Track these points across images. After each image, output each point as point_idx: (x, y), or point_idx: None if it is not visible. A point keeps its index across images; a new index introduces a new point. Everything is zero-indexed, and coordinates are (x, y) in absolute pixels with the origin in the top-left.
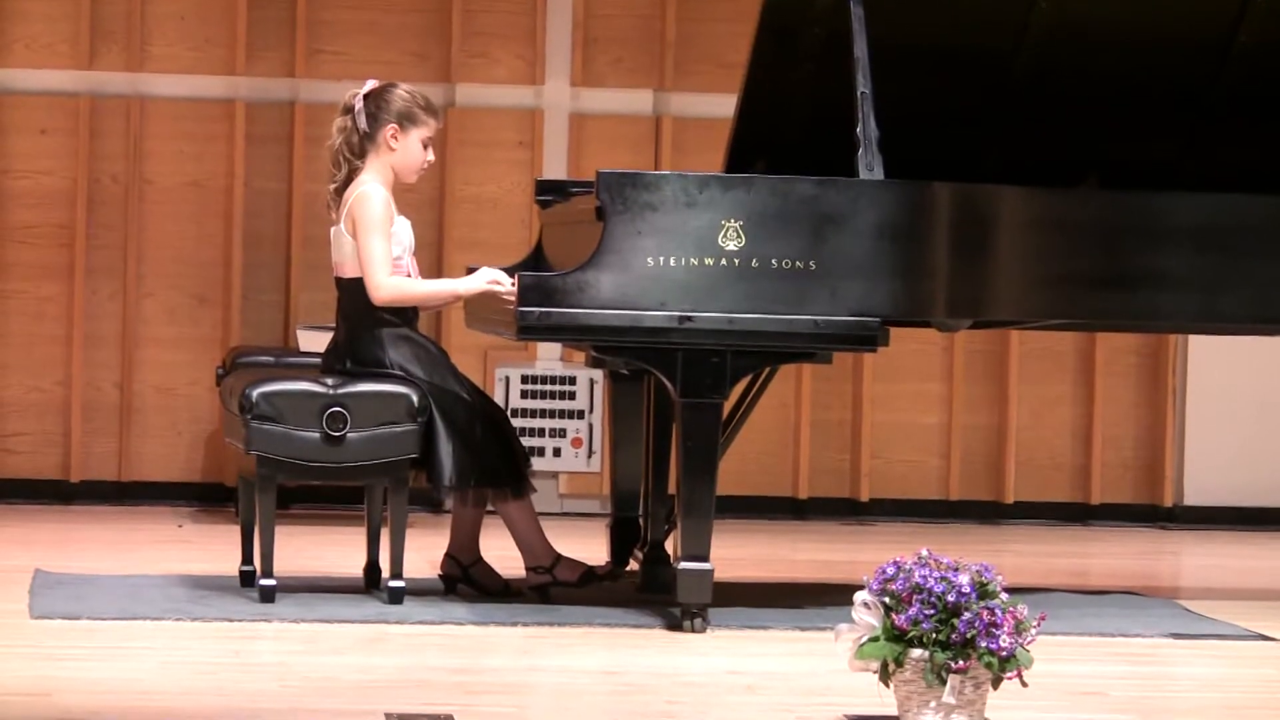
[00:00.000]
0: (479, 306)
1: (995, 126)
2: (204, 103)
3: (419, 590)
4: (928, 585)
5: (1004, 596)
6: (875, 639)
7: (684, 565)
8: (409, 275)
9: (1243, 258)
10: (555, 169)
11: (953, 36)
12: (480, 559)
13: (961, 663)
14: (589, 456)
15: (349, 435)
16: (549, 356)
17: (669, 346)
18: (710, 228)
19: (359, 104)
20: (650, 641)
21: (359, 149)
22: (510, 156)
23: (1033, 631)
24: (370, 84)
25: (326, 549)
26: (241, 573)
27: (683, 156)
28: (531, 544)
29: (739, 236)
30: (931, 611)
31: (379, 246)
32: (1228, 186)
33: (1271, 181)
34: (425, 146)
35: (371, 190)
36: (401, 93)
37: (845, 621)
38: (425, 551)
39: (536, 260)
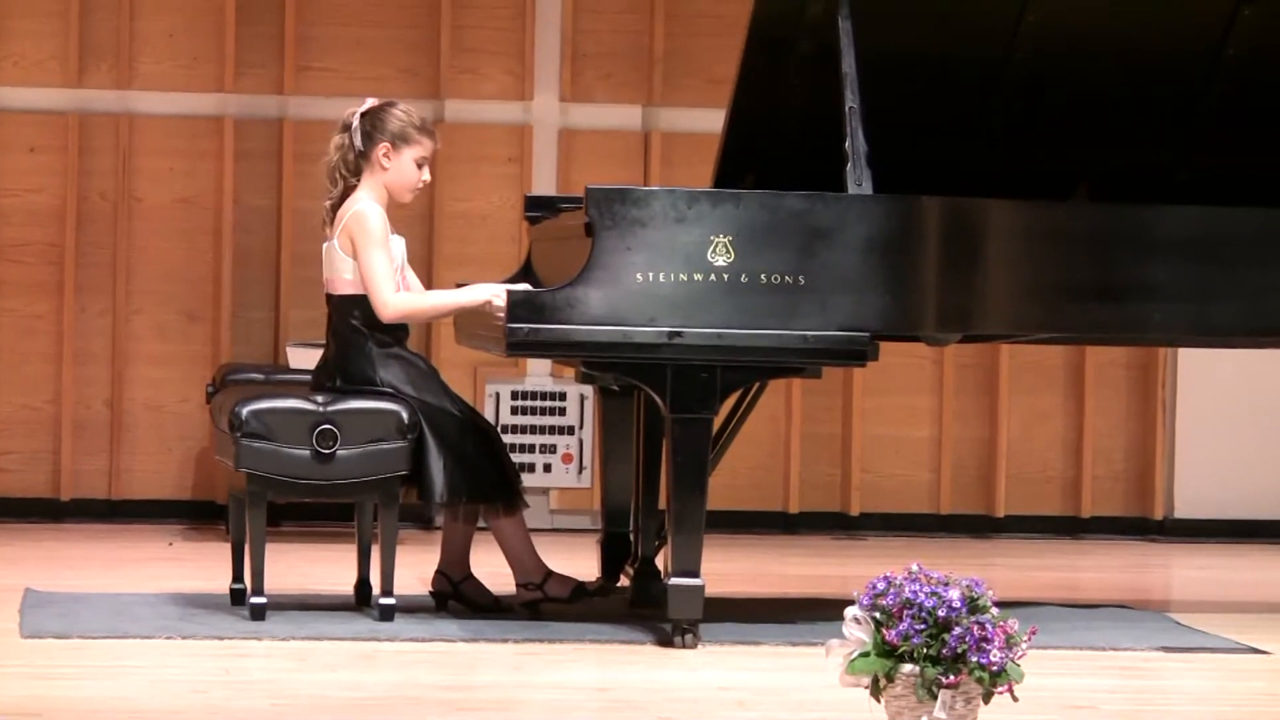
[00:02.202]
0: (469, 322)
1: (986, 137)
2: (193, 120)
3: (410, 607)
4: (918, 600)
5: (995, 611)
6: (866, 654)
7: (675, 580)
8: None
9: (1234, 269)
10: (544, 184)
11: (942, 47)
12: (471, 575)
13: (952, 677)
14: (580, 472)
15: (339, 452)
16: (539, 372)
17: (659, 362)
18: (699, 243)
19: (355, 121)
20: (641, 657)
21: (354, 166)
22: (499, 172)
23: (1024, 645)
24: (369, 102)
25: (317, 566)
26: (232, 590)
27: (672, 171)
28: (522, 560)
29: (728, 251)
30: (922, 626)
31: (381, 264)
32: (1218, 197)
33: (1262, 192)
34: (420, 166)
35: (367, 208)
36: (397, 112)
37: (836, 636)
38: (416, 568)
39: (525, 276)
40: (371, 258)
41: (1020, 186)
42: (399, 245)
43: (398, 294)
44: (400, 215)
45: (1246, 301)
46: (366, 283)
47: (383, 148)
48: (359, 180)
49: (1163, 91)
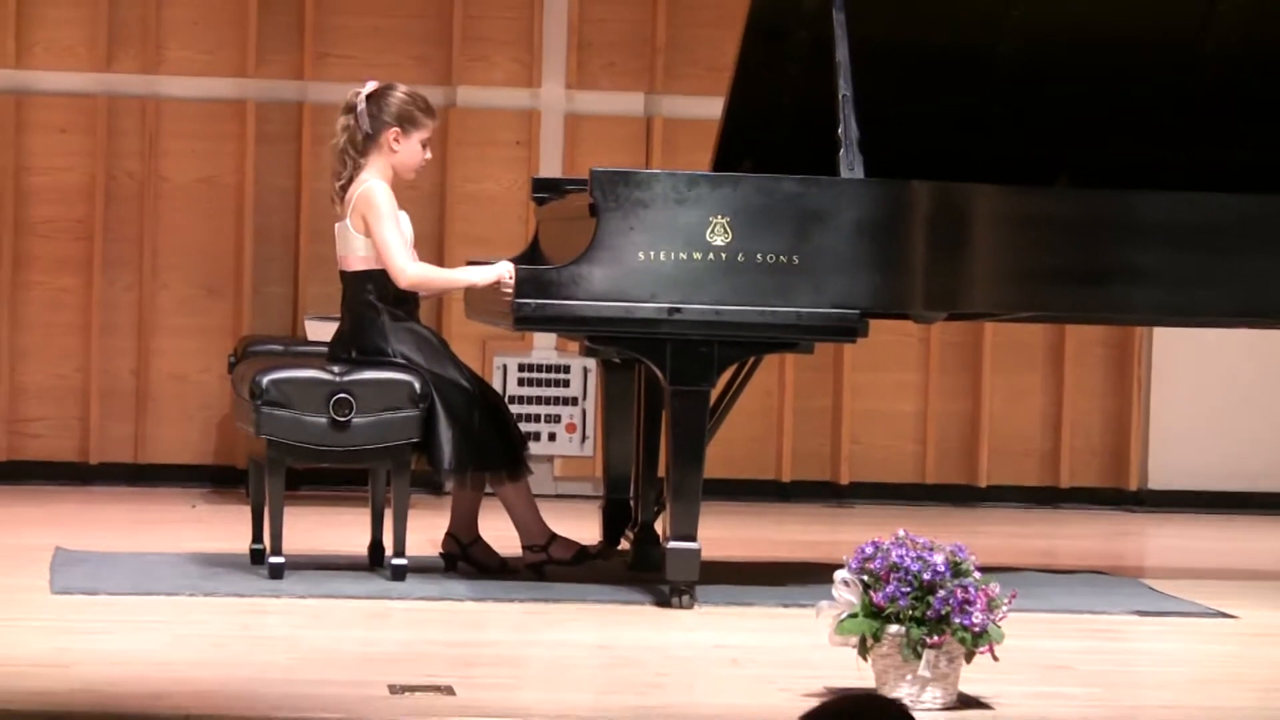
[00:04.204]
0: (479, 298)
1: (976, 125)
2: (216, 103)
3: (420, 568)
4: (905, 564)
5: (977, 575)
6: (854, 615)
7: (673, 545)
8: None
9: (1214, 254)
10: (551, 167)
11: (934, 37)
12: (479, 538)
13: (936, 638)
14: (582, 441)
15: (354, 420)
16: (545, 346)
17: (659, 337)
18: (699, 224)
19: (361, 104)
20: (640, 617)
21: (361, 147)
22: (508, 155)
23: (1004, 608)
24: (371, 84)
25: (332, 529)
26: (252, 551)
27: (673, 156)
28: (527, 524)
29: (726, 232)
30: (908, 589)
31: (394, 236)
32: (1205, 184)
33: (1247, 179)
34: (423, 146)
35: (375, 186)
36: (401, 95)
37: (826, 599)
38: (426, 531)
39: (532, 254)
40: (384, 231)
41: (1009, 175)
42: (405, 223)
43: (414, 262)
44: (413, 196)
45: (1227, 286)
46: (383, 254)
47: (393, 132)
48: (365, 160)
49: (1149, 83)
